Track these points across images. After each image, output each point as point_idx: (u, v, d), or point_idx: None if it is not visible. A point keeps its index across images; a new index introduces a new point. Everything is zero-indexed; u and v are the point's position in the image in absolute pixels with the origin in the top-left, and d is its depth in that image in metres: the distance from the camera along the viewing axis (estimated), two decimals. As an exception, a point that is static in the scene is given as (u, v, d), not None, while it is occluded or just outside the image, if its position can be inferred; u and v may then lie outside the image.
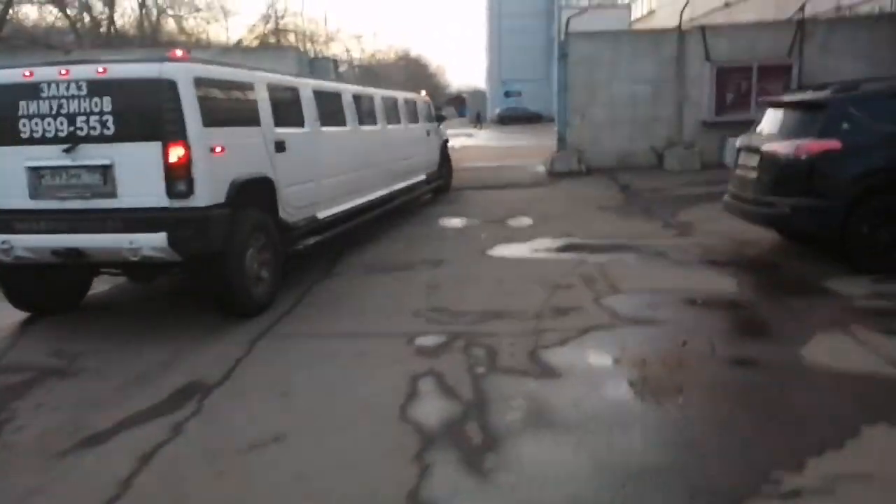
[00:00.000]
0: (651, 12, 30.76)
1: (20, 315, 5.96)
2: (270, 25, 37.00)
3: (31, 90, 5.02)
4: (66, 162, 5.02)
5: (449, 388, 4.04)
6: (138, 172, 4.97)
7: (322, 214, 7.08)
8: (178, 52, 5.20)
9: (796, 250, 7.21)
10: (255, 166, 5.78)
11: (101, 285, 6.65)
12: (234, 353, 4.80)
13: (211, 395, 4.13)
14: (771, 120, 7.02)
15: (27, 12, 29.42)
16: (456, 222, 9.99)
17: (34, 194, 5.13)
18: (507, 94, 58.97)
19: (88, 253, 5.09)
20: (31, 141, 5.05)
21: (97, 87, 4.95)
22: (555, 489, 2.98)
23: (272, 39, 35.32)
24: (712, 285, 6.06)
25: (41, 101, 5.00)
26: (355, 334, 5.16)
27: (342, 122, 8.01)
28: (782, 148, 6.42)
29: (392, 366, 4.43)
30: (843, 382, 3.97)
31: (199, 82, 5.11)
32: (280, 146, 6.18)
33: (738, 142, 7.39)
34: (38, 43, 25.06)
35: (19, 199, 5.13)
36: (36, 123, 5.03)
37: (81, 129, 4.98)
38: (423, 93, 13.36)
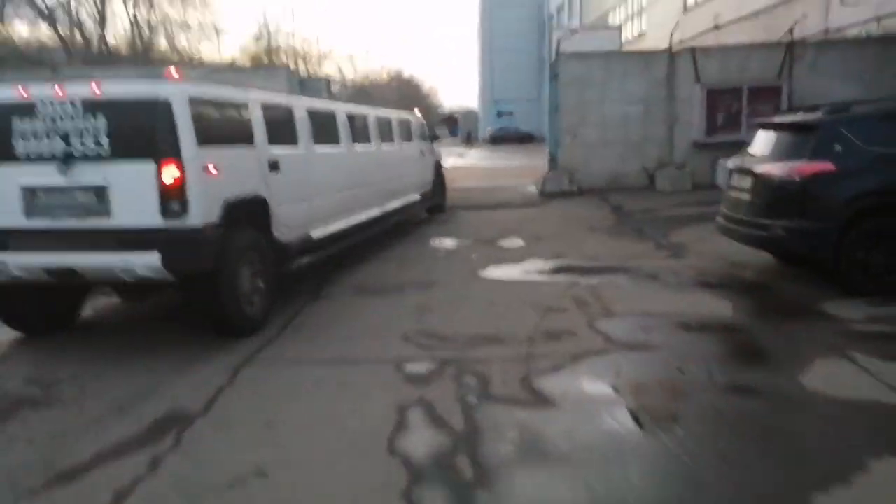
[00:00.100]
0: (642, 34, 30.99)
1: (1, 338, 5.80)
2: (263, 44, 37.13)
3: (26, 108, 5.03)
4: (61, 181, 5.02)
5: (439, 418, 3.90)
6: (132, 192, 4.96)
7: (316, 234, 7.05)
8: (173, 73, 5.16)
9: (790, 272, 7.14)
10: (248, 186, 5.77)
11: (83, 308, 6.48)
12: (217, 381, 4.64)
13: (192, 425, 3.98)
14: (763, 141, 6.98)
15: (19, 30, 29.37)
16: (447, 243, 9.89)
17: (28, 213, 5.11)
18: (499, 114, 59.25)
19: (82, 272, 5.09)
20: (26, 159, 5.06)
21: (92, 107, 4.96)
22: (549, 528, 2.85)
23: (265, 59, 35.42)
24: (707, 308, 5.97)
25: (36, 120, 5.02)
26: (343, 360, 5.02)
27: (336, 142, 7.98)
28: (774, 169, 6.37)
29: (380, 394, 4.29)
30: (845, 411, 3.86)
31: (194, 102, 5.11)
32: (274, 165, 6.17)
33: (730, 163, 7.34)
34: (29, 60, 24.97)
35: (13, 218, 5.12)
36: (31, 142, 5.04)
37: (76, 148, 4.98)
38: (417, 112, 13.34)
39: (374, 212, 9.05)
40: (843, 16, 15.23)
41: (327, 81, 23.56)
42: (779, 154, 6.50)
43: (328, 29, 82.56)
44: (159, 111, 4.90)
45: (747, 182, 6.71)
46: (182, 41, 34.42)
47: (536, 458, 3.44)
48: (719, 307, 6.01)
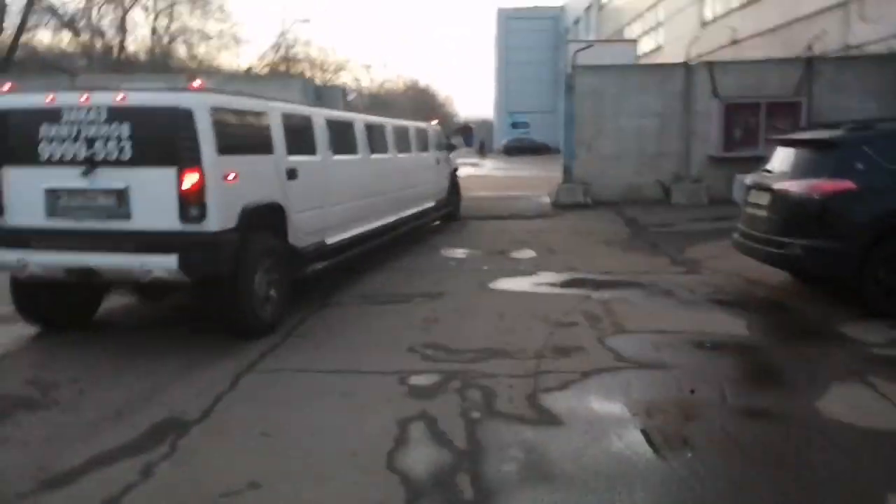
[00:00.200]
0: (658, 48, 30.87)
1: (4, 338, 5.77)
2: (281, 54, 37.32)
3: (52, 115, 5.20)
4: (83, 184, 5.18)
5: (441, 435, 3.78)
6: (153, 196, 5.12)
7: (331, 240, 7.14)
8: (196, 83, 5.36)
9: (808, 291, 6.97)
10: (266, 193, 5.88)
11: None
12: (217, 387, 4.55)
13: (188, 433, 3.88)
14: (782, 158, 6.83)
15: (41, 38, 29.72)
16: (458, 253, 9.78)
17: (51, 214, 5.28)
18: (513, 125, 59.20)
19: (101, 272, 5.24)
20: (50, 163, 5.22)
21: (116, 114, 5.12)
22: (551, 555, 2.72)
23: (282, 68, 35.58)
24: (721, 327, 5.81)
25: (61, 126, 5.18)
26: (346, 371, 4.91)
27: (353, 151, 8.12)
28: (794, 187, 6.23)
29: (382, 407, 4.18)
30: (864, 441, 3.69)
31: (215, 111, 5.24)
32: (292, 174, 6.28)
33: (749, 179, 7.20)
34: (51, 67, 25.23)
35: (36, 218, 5.31)
36: (55, 146, 5.21)
37: (99, 153, 5.13)
38: (435, 122, 13.43)
39: (389, 219, 9.14)
40: (864, 32, 15.03)
41: (343, 90, 23.56)
42: (798, 171, 6.35)
43: (345, 39, 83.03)
44: (181, 120, 5.03)
45: (765, 199, 6.57)
46: (201, 49, 34.70)
47: (540, 480, 3.30)
48: (734, 326, 5.85)
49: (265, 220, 5.80)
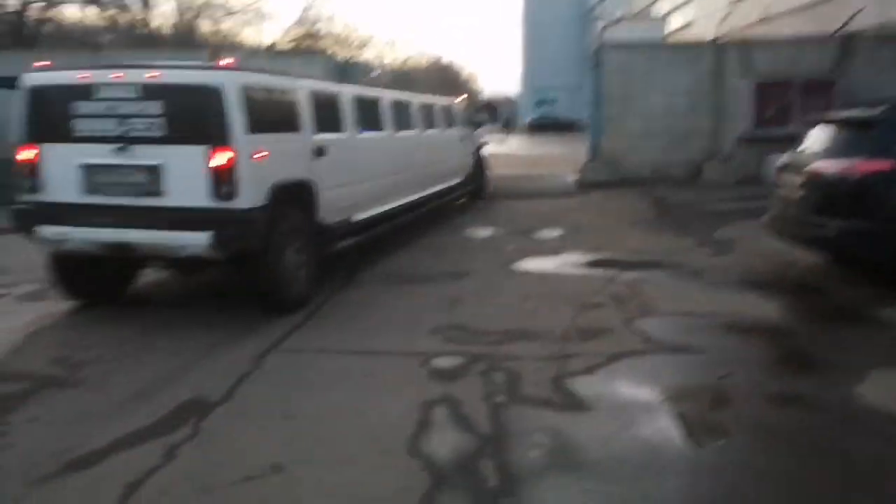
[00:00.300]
0: (687, 24, 30.18)
1: (32, 315, 5.83)
2: (304, 30, 37.15)
3: (87, 91, 5.28)
4: (118, 161, 5.27)
5: (464, 418, 3.72)
6: (185, 174, 5.20)
7: (358, 217, 7.19)
8: (227, 60, 5.42)
9: (842, 274, 6.77)
10: (295, 171, 5.94)
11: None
12: (240, 368, 4.54)
13: (211, 414, 3.87)
14: (817, 137, 6.60)
15: (68, 13, 29.84)
16: (483, 232, 9.67)
17: (87, 190, 5.39)
18: (540, 102, 58.53)
19: (136, 248, 5.39)
20: (85, 139, 5.32)
21: (149, 91, 5.18)
22: (578, 545, 2.66)
23: (306, 44, 35.42)
24: (753, 310, 5.66)
25: (95, 103, 5.26)
26: (369, 352, 4.87)
27: (380, 128, 8.12)
28: (830, 167, 6.01)
29: (405, 390, 4.13)
30: (903, 430, 3.56)
31: (246, 90, 5.30)
32: (320, 151, 6.33)
33: (782, 159, 6.98)
34: (76, 42, 25.38)
35: (73, 194, 5.41)
36: (90, 123, 5.29)
37: (132, 130, 5.22)
38: (460, 98, 13.32)
39: (415, 196, 9.14)
40: (904, 8, 14.50)
41: (367, 67, 23.39)
42: (835, 151, 6.13)
43: (369, 14, 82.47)
44: (213, 98, 5.09)
45: (799, 179, 6.36)
46: (226, 25, 34.62)
47: (566, 467, 3.23)
48: (766, 308, 5.70)
49: (294, 197, 5.86)
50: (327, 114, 6.64)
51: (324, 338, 5.20)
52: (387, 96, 8.60)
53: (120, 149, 5.23)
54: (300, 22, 36.48)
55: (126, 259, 5.79)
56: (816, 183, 6.12)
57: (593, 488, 3.05)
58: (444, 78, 54.20)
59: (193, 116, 5.18)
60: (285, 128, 5.92)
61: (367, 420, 3.76)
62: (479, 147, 13.43)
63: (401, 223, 8.51)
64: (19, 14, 23.89)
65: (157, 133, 5.17)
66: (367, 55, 38.59)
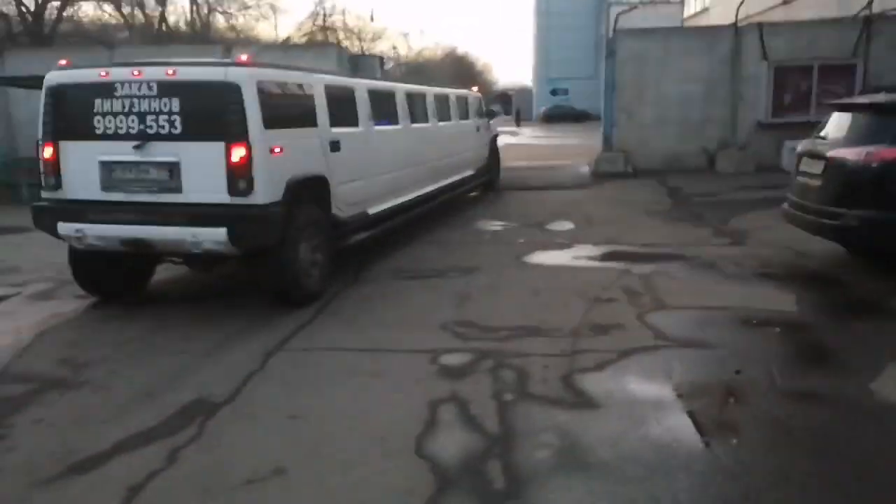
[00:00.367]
0: (705, 9, 29.72)
1: (42, 314, 5.83)
2: (318, 23, 37.12)
3: (106, 89, 5.32)
4: (136, 157, 5.32)
5: (472, 418, 3.65)
6: (202, 170, 5.24)
7: (372, 210, 7.21)
8: (244, 56, 5.46)
9: (861, 265, 6.60)
10: (311, 166, 5.96)
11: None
12: (246, 367, 4.50)
13: (216, 415, 3.82)
14: (837, 123, 6.43)
15: (86, 10, 30.02)
16: (494, 225, 9.58)
17: (106, 186, 5.45)
18: (553, 92, 58.14)
19: (155, 244, 5.46)
20: (104, 137, 5.37)
21: (167, 88, 5.22)
22: (585, 551, 2.58)
23: (319, 37, 35.39)
24: (769, 303, 5.53)
25: (115, 100, 5.31)
26: (376, 349, 4.81)
27: (395, 121, 8.12)
28: (851, 154, 5.85)
29: (412, 388, 4.06)
30: (925, 428, 3.44)
31: (262, 86, 5.32)
32: (335, 146, 6.34)
33: (801, 146, 6.81)
34: (92, 39, 25.51)
35: (92, 191, 5.48)
36: (109, 120, 5.34)
37: (151, 127, 5.26)
38: (475, 89, 13.27)
39: (430, 188, 9.14)
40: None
41: (381, 59, 23.28)
42: (856, 138, 5.97)
43: (382, 6, 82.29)
44: (229, 94, 5.12)
45: (819, 167, 6.20)
46: (240, 20, 34.66)
47: (575, 468, 3.15)
48: (783, 301, 5.57)
49: (310, 192, 5.87)
50: (342, 108, 6.64)
51: (331, 335, 5.14)
52: (401, 89, 8.56)
53: (138, 146, 5.28)
54: (314, 15, 36.44)
55: (144, 255, 5.85)
56: (836, 171, 5.97)
57: (601, 490, 2.97)
58: (458, 69, 53.93)
59: (211, 113, 5.21)
60: (301, 123, 5.93)
61: (374, 420, 3.70)
62: (494, 138, 13.35)
63: (416, 216, 8.46)
64: (36, 14, 24.04)
65: (176, 129, 5.21)
66: (382, 47, 38.47)
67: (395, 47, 42.33)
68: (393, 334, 5.11)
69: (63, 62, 5.65)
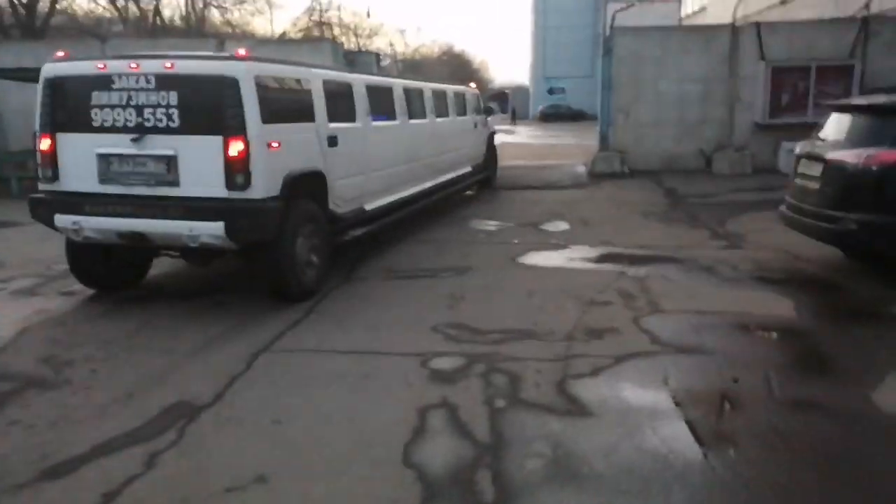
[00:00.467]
0: (702, 9, 29.65)
1: (25, 311, 5.71)
2: (314, 18, 36.93)
3: (104, 82, 5.29)
4: (134, 150, 5.30)
5: (462, 425, 3.54)
6: (200, 164, 5.22)
7: (369, 206, 7.21)
8: (241, 51, 5.37)
9: (860, 270, 6.52)
10: (308, 161, 5.93)
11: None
12: (231, 369, 4.38)
13: (197, 419, 3.70)
14: (836, 125, 6.35)
15: (80, 3, 29.79)
16: (488, 225, 9.46)
17: (103, 179, 5.42)
18: (550, 91, 57.98)
19: (152, 237, 5.41)
20: (102, 129, 5.33)
21: (165, 82, 5.19)
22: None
23: (315, 32, 35.21)
24: (766, 308, 5.45)
25: (112, 93, 5.28)
26: (366, 352, 4.69)
27: (392, 117, 8.06)
28: (850, 157, 5.76)
29: (401, 393, 3.95)
30: (927, 439, 3.35)
31: (260, 80, 5.29)
32: (332, 141, 6.30)
33: (798, 148, 6.73)
34: (84, 32, 25.30)
35: (89, 184, 5.44)
36: (107, 113, 5.31)
37: (148, 120, 5.23)
38: (473, 85, 13.21)
39: (427, 184, 9.10)
40: (927, -10, 14.07)
41: (377, 55, 23.12)
42: (855, 140, 5.88)
43: (379, 3, 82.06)
44: (227, 88, 5.09)
45: (817, 169, 6.11)
46: (235, 15, 34.45)
47: (566, 479, 3.04)
48: (780, 306, 5.48)
49: (307, 187, 5.84)
50: (340, 103, 6.59)
51: (320, 336, 5.02)
52: (399, 84, 8.49)
53: (136, 139, 5.24)
54: (309, 11, 36.25)
55: (141, 248, 5.81)
56: (835, 174, 5.88)
57: (594, 501, 2.86)
58: (455, 66, 53.78)
59: (209, 107, 5.17)
60: (299, 118, 5.89)
61: (360, 426, 3.59)
62: (491, 135, 13.29)
63: (412, 212, 8.40)
64: (29, 6, 23.80)
65: (173, 123, 5.18)
66: (378, 43, 38.31)
67: (391, 44, 42.19)
68: (383, 336, 4.99)
69: (60, 53, 5.60)
